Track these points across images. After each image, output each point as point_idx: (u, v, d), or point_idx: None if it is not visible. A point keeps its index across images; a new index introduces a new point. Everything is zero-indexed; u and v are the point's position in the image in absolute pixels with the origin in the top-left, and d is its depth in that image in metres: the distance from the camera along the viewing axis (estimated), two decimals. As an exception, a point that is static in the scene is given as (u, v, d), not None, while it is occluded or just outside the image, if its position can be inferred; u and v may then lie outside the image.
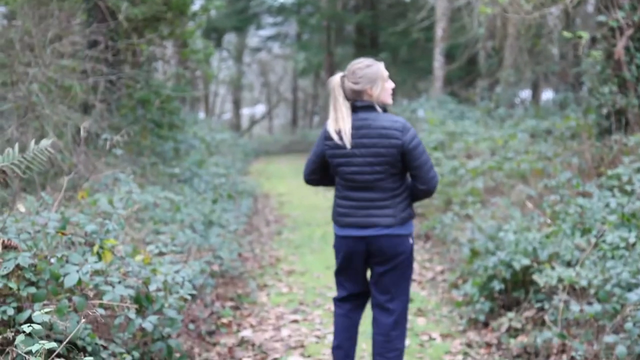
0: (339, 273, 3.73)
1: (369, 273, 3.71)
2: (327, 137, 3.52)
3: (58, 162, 7.00)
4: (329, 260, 7.13)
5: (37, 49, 7.22)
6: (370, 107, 3.49)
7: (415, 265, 6.92)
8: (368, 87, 3.48)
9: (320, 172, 3.68)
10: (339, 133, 3.46)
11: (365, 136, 3.44)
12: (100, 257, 3.50)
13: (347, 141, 3.43)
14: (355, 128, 3.45)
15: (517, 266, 4.79)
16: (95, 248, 3.51)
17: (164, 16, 9.89)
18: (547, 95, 18.12)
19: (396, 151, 3.43)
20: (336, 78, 3.52)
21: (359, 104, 3.48)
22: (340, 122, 3.45)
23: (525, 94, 17.80)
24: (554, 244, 4.82)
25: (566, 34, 6.22)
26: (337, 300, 3.78)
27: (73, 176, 6.48)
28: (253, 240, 8.50)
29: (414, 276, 6.52)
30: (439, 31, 16.56)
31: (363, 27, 22.63)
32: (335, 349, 3.73)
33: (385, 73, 3.55)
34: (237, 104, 33.85)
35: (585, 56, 6.43)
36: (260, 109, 38.42)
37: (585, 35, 6.05)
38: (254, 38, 31.44)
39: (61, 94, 7.14)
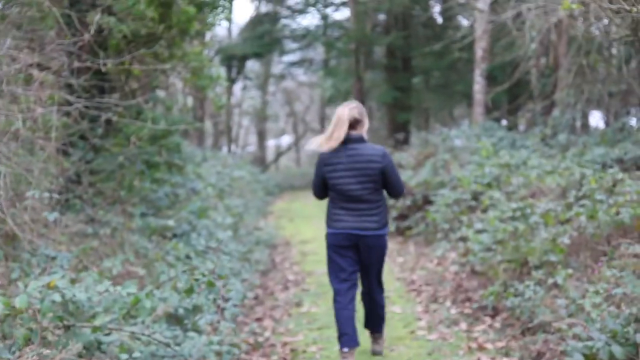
0: (332, 265, 4.69)
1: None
2: (325, 164, 4.63)
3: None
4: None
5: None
6: (360, 140, 4.61)
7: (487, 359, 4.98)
8: (364, 120, 4.65)
9: (325, 190, 4.73)
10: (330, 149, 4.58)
11: (357, 161, 4.55)
12: None
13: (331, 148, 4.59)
14: (349, 155, 4.55)
15: (687, 407, 2.86)
16: None
17: (162, 35, 8.09)
18: (595, 118, 16.07)
19: (378, 171, 4.57)
20: (347, 111, 4.59)
21: (353, 137, 4.59)
22: (334, 142, 4.53)
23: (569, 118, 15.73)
24: None
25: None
26: (336, 295, 4.68)
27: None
28: (264, 314, 6.59)
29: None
30: (479, 51, 14.74)
31: (394, 49, 20.76)
32: (343, 336, 4.58)
33: None
34: (261, 136, 32.18)
35: None
36: (286, 139, 36.71)
37: None
38: (279, 65, 29.78)
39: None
